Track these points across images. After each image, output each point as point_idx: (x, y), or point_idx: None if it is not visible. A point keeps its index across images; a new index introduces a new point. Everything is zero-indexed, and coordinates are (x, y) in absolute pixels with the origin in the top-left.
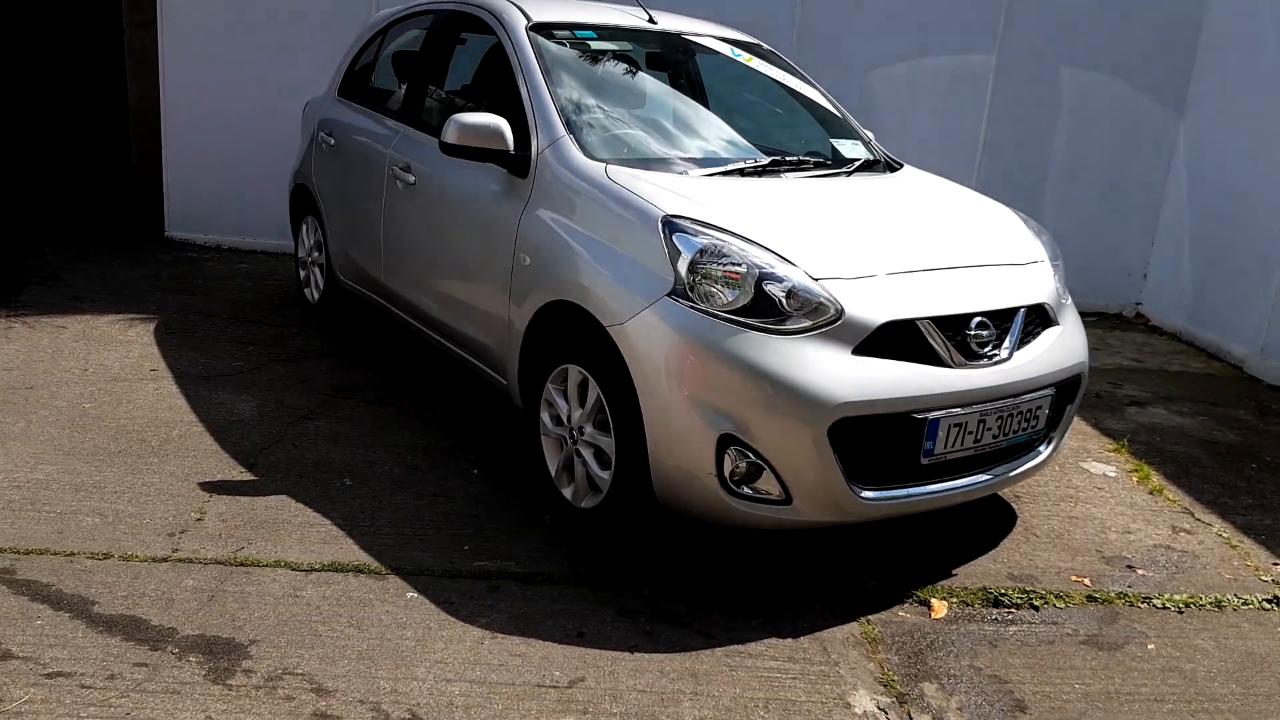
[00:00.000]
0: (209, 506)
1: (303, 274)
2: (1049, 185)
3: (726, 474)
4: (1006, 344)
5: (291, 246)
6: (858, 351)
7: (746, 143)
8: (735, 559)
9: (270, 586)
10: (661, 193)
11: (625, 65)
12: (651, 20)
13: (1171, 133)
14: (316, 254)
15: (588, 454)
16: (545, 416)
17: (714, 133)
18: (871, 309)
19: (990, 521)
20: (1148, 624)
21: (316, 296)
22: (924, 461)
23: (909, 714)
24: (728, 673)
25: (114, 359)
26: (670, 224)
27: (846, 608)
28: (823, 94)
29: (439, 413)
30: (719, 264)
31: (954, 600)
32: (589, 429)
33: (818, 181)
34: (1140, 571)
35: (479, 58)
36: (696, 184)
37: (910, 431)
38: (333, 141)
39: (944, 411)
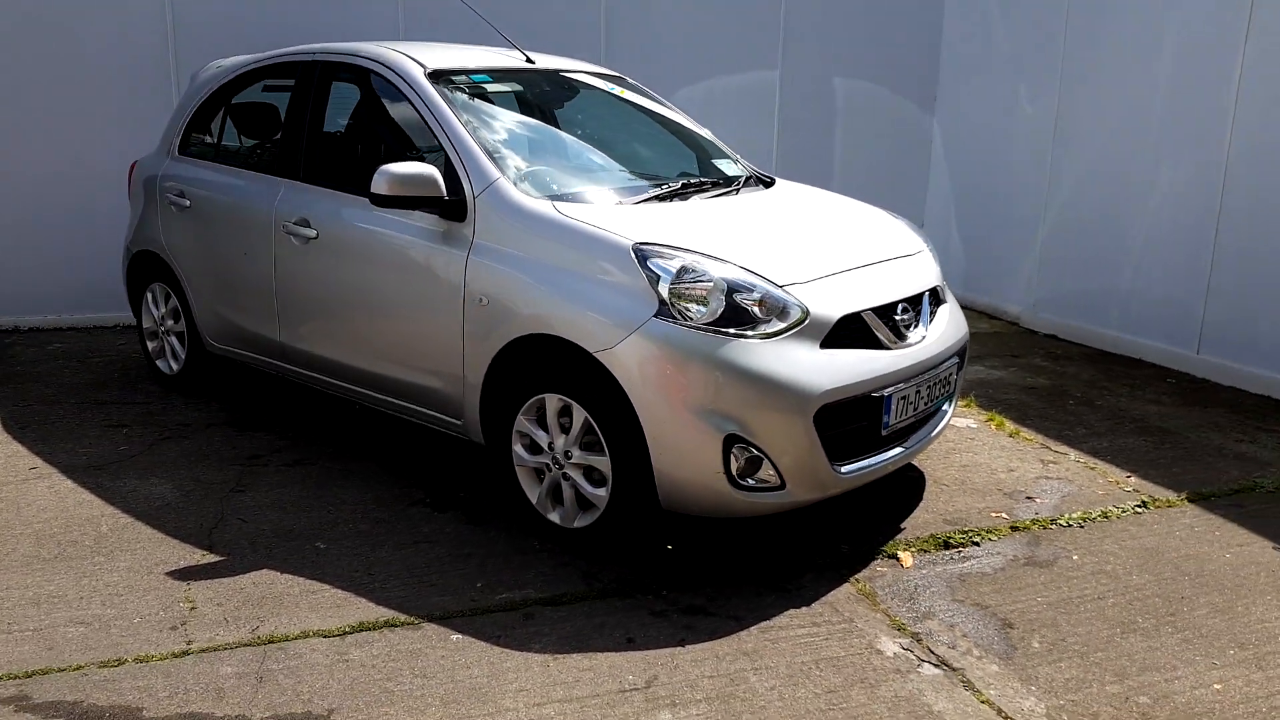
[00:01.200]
0: (193, 594)
1: (152, 345)
2: (833, 183)
3: (733, 471)
4: (921, 324)
5: (108, 320)
6: (824, 345)
7: (648, 169)
8: (718, 546)
9: (313, 657)
10: (618, 223)
11: (521, 105)
12: (529, 60)
13: (927, 129)
14: (172, 322)
15: (577, 475)
16: (519, 448)
17: (618, 162)
18: (828, 307)
19: (905, 481)
20: (1063, 540)
21: (176, 367)
22: (884, 433)
23: (929, 649)
24: (771, 645)
25: None
26: (640, 251)
27: (834, 572)
28: (688, 119)
29: (367, 465)
30: (695, 282)
31: (913, 549)
32: (577, 452)
33: (723, 199)
34: (1037, 500)
35: (366, 107)
36: (634, 212)
37: (872, 409)
38: (187, 203)
39: (893, 388)
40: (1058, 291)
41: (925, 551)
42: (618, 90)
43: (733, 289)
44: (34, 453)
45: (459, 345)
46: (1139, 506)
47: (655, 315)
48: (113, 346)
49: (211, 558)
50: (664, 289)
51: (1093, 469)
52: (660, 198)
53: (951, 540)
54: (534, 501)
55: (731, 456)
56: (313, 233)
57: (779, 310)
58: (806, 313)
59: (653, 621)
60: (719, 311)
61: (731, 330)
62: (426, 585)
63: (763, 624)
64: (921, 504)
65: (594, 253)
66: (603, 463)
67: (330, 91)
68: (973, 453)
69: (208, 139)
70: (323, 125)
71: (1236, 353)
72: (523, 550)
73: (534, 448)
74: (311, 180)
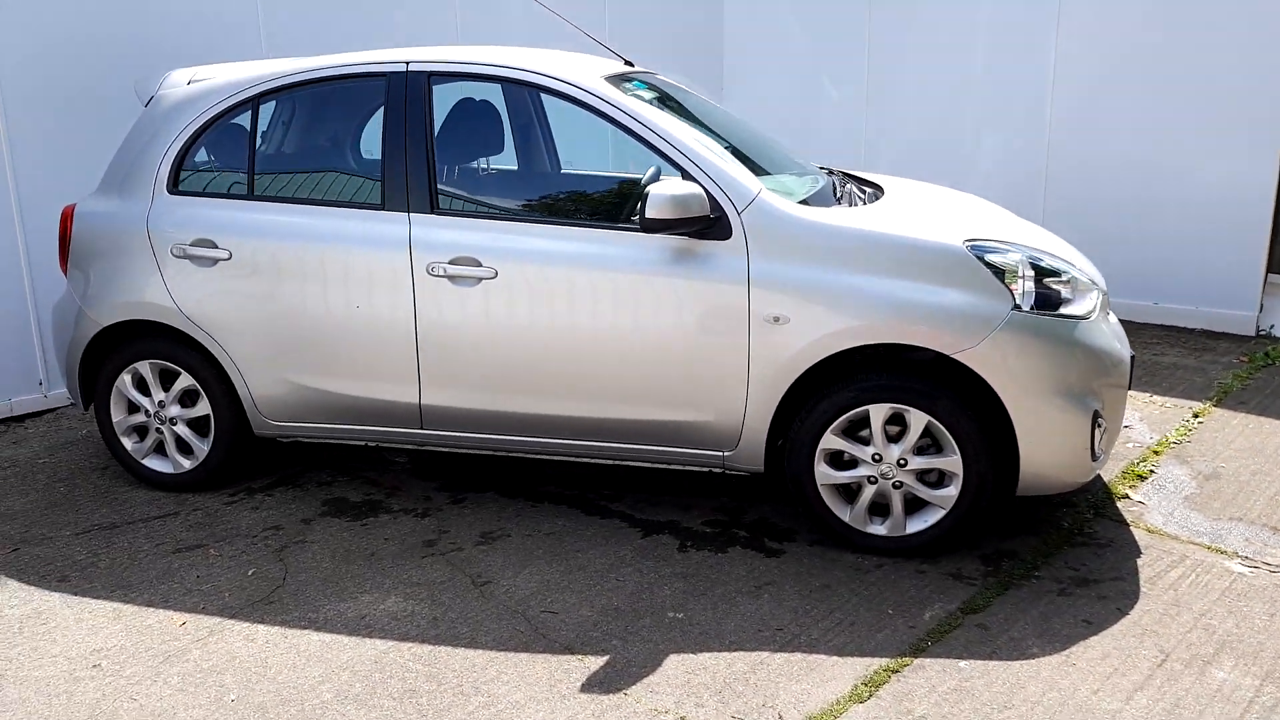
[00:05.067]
0: (646, 702)
1: (134, 443)
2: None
3: (1095, 447)
4: None
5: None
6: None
7: (809, 168)
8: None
9: None
10: (922, 224)
11: (685, 108)
12: (629, 64)
13: None
14: (179, 409)
15: (912, 481)
16: (824, 468)
17: (784, 163)
18: (1099, 282)
19: None
20: (1195, 455)
21: (189, 463)
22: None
23: (1264, 562)
24: (1181, 594)
25: (68, 647)
26: (975, 248)
27: (1106, 519)
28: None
29: (558, 521)
30: (1030, 272)
31: (1127, 485)
32: (913, 458)
33: (909, 193)
34: (1133, 427)
35: (524, 123)
36: (879, 211)
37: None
38: (225, 254)
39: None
40: None
41: (1135, 486)
42: (692, 89)
43: (1047, 274)
44: (143, 605)
45: (742, 372)
46: (1194, 418)
47: (1013, 308)
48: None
49: (595, 661)
50: (1009, 282)
51: None
52: (862, 199)
53: (1139, 473)
54: (846, 519)
55: (1096, 432)
56: (488, 271)
57: (1082, 290)
58: (1104, 291)
59: (1070, 601)
60: (1035, 296)
61: (1059, 313)
62: (845, 626)
63: (1146, 577)
64: None
65: (921, 256)
66: (950, 463)
67: (447, 107)
68: None
69: (230, 171)
70: (455, 147)
71: None
72: (862, 569)
73: (844, 463)
74: (461, 212)
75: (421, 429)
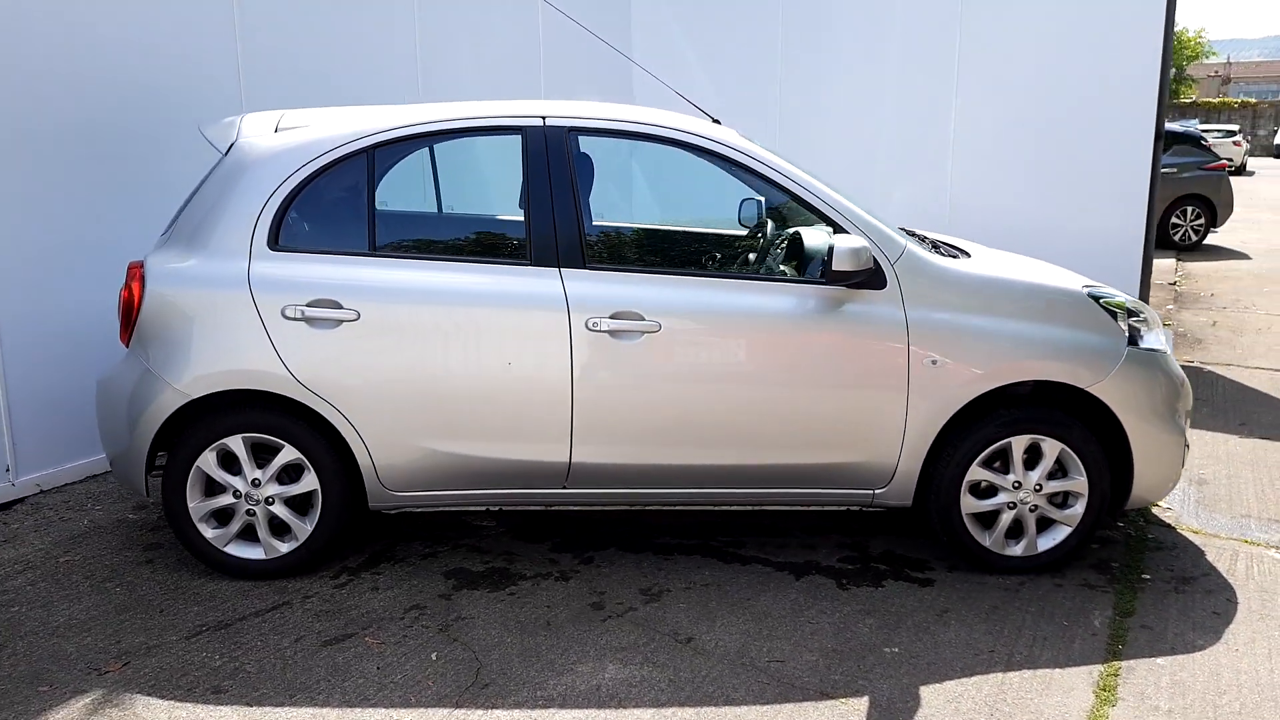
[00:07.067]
0: None
1: (214, 529)
2: None
3: (1185, 462)
4: None
5: None
6: None
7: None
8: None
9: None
10: (1039, 274)
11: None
12: (716, 121)
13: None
14: (279, 486)
15: (1044, 504)
16: (969, 498)
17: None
18: None
19: None
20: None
21: (286, 547)
22: None
23: None
24: (1257, 595)
25: None
26: (1091, 293)
27: (1165, 526)
28: None
29: (703, 573)
30: (1125, 313)
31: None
32: (1047, 483)
33: (974, 249)
34: None
35: (669, 180)
36: (992, 263)
37: None
38: (353, 314)
39: None
40: None
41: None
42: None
43: (1131, 314)
44: (344, 707)
45: (900, 413)
46: None
47: (1129, 345)
48: (30, 541)
49: (859, 702)
50: (1121, 322)
51: None
52: (943, 250)
53: None
54: (986, 544)
55: (1185, 450)
56: (652, 325)
57: (1154, 327)
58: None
59: (1189, 598)
60: (1128, 334)
61: (1144, 348)
62: (1040, 640)
63: (1224, 570)
64: None
65: (1051, 300)
66: (1077, 485)
67: (583, 162)
68: None
69: (343, 226)
70: (587, 201)
71: None
72: (1010, 588)
73: (976, 492)
74: (612, 266)
75: (564, 488)
